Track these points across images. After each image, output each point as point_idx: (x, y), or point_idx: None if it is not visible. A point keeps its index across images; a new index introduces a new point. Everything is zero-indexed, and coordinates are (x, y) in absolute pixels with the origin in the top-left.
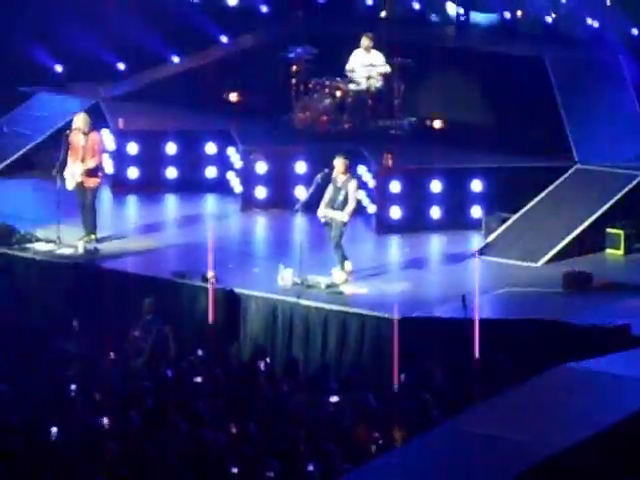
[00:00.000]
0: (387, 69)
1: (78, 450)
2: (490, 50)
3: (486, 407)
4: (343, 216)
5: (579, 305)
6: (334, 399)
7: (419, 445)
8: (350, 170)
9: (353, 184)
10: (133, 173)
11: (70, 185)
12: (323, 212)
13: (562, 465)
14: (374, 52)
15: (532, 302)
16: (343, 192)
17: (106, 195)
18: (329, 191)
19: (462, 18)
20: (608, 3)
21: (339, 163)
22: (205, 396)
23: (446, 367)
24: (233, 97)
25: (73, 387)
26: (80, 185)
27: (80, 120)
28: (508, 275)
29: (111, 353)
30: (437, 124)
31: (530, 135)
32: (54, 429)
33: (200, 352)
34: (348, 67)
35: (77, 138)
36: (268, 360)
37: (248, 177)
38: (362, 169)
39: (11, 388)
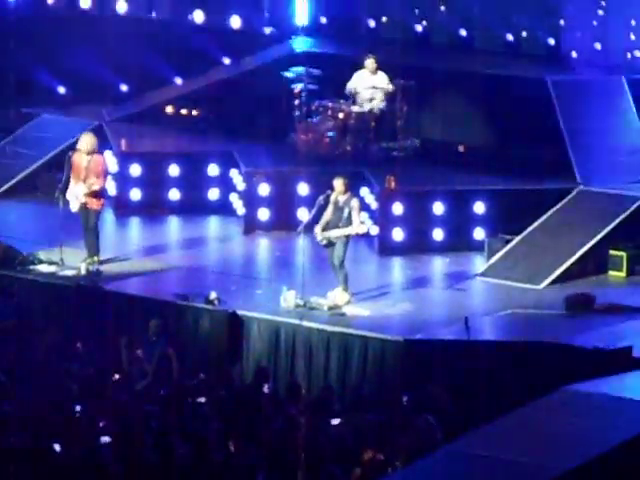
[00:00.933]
0: (389, 88)
1: (81, 472)
2: (493, 72)
3: (488, 429)
4: (358, 228)
5: (581, 327)
6: (336, 421)
7: (422, 467)
8: (350, 190)
9: (356, 202)
10: (136, 195)
11: (74, 207)
12: (323, 234)
13: None
14: (379, 73)
15: (534, 324)
16: (347, 210)
17: (109, 217)
18: (328, 213)
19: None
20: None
21: (339, 183)
22: (208, 418)
23: (449, 389)
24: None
25: (78, 408)
26: (83, 207)
27: (84, 141)
28: (510, 297)
29: (115, 375)
30: (461, 149)
31: (532, 157)
32: (57, 448)
33: (203, 374)
34: (349, 87)
35: (80, 159)
36: (271, 382)
37: (251, 199)
38: (365, 191)
39: (14, 408)
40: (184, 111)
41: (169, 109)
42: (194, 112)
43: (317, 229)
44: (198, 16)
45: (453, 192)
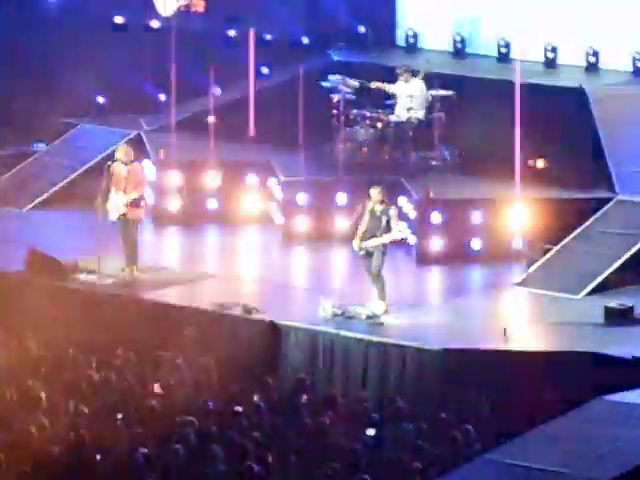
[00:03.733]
0: (428, 97)
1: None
2: (531, 81)
3: (526, 439)
4: (396, 234)
5: (620, 337)
6: (373, 431)
7: (459, 476)
8: (387, 199)
9: (394, 210)
10: (174, 204)
11: (113, 216)
12: (361, 244)
13: None
14: (416, 81)
15: (572, 334)
16: (384, 219)
17: (147, 226)
18: (365, 223)
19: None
20: None
21: (375, 193)
22: (246, 428)
23: (487, 398)
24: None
25: (119, 416)
26: (123, 216)
27: (122, 151)
28: (549, 307)
29: (155, 384)
30: (540, 164)
31: (571, 166)
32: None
33: (241, 384)
34: (391, 90)
35: (119, 169)
36: (309, 392)
37: (289, 208)
38: (403, 200)
39: (55, 419)
40: (222, 121)
41: (207, 119)
42: (232, 122)
43: (355, 240)
44: (235, 26)
45: (491, 201)
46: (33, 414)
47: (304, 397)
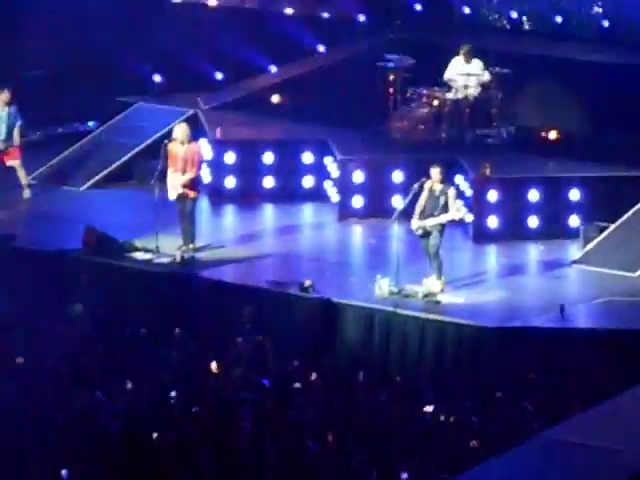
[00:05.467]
0: (486, 77)
1: (175, 458)
2: (588, 59)
3: (584, 417)
4: (454, 214)
5: None
6: (430, 408)
7: (517, 455)
8: (446, 179)
9: (452, 190)
10: (231, 182)
11: (172, 195)
12: (419, 223)
13: None
14: (474, 61)
15: (630, 312)
16: (442, 199)
17: (204, 204)
18: (423, 202)
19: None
20: None
21: (435, 172)
22: (302, 406)
23: (544, 376)
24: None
25: (173, 394)
26: (180, 195)
27: (180, 130)
28: (606, 285)
29: (213, 362)
30: (552, 135)
31: (628, 144)
32: (154, 435)
33: (297, 362)
34: (446, 76)
35: (176, 148)
36: (365, 370)
37: (345, 186)
38: (459, 178)
39: (105, 396)
40: (279, 99)
41: (264, 97)
42: (289, 100)
43: (414, 219)
44: (292, 4)
45: (548, 179)
46: (89, 392)
47: (360, 375)
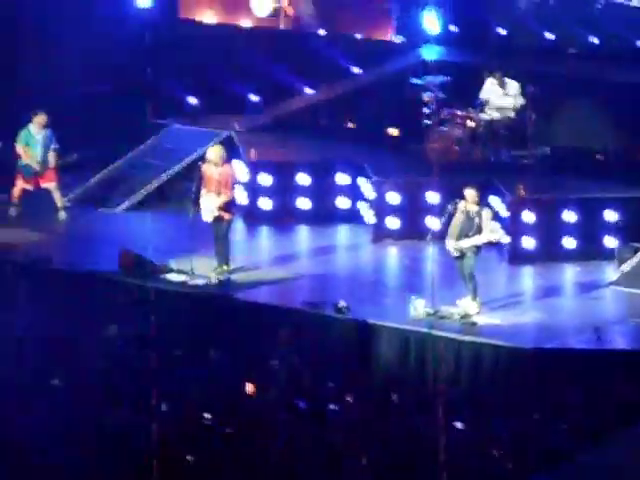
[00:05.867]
0: (520, 100)
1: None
2: (623, 79)
3: (621, 439)
4: (490, 236)
5: None
6: (460, 425)
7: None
8: (480, 200)
9: (487, 212)
10: (266, 204)
11: (205, 217)
12: (454, 245)
13: None
14: (508, 82)
15: None
16: (477, 220)
17: (239, 226)
18: (458, 223)
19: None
20: None
21: (470, 194)
22: (338, 427)
23: (581, 398)
24: (393, 132)
25: (207, 416)
26: (214, 217)
27: (214, 152)
28: None
29: (248, 384)
30: (587, 156)
31: None
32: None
33: (332, 383)
34: (481, 96)
35: (211, 170)
36: (400, 391)
37: (380, 207)
38: (494, 199)
39: (139, 417)
40: (313, 120)
41: (298, 119)
42: (323, 121)
43: (449, 241)
44: (326, 26)
45: (584, 200)
46: (119, 410)
47: (395, 396)
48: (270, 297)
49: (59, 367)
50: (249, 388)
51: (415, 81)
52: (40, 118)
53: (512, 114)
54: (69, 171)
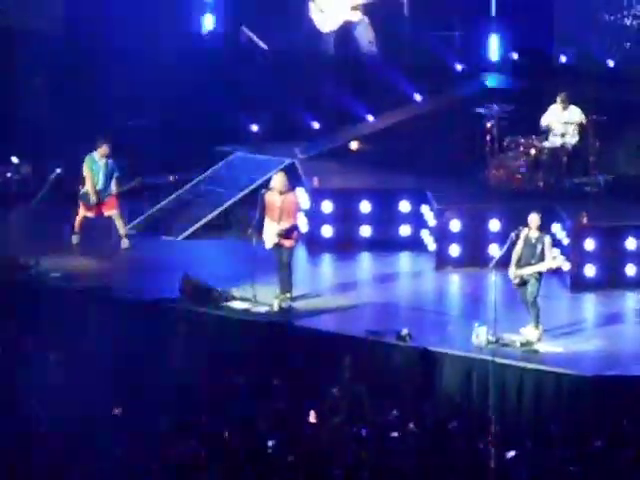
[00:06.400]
0: (583, 123)
1: None
2: None
3: None
4: (552, 263)
5: None
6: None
7: None
8: (542, 225)
9: (548, 239)
10: (328, 231)
11: (268, 245)
12: (516, 272)
13: None
14: (572, 107)
15: None
16: (539, 247)
17: (301, 253)
18: (519, 250)
19: None
20: None
21: (534, 219)
22: (400, 454)
23: None
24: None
25: (270, 444)
26: (277, 245)
27: (277, 180)
28: None
29: (311, 412)
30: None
31: None
32: None
33: (395, 411)
34: (544, 122)
35: (274, 198)
36: (463, 418)
37: (442, 235)
38: (556, 227)
39: (202, 445)
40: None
41: (360, 146)
42: (385, 148)
43: (511, 269)
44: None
45: None
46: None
47: (457, 424)
48: (332, 325)
49: (122, 397)
50: (312, 417)
51: (477, 109)
52: (103, 149)
53: (575, 141)
54: (132, 198)
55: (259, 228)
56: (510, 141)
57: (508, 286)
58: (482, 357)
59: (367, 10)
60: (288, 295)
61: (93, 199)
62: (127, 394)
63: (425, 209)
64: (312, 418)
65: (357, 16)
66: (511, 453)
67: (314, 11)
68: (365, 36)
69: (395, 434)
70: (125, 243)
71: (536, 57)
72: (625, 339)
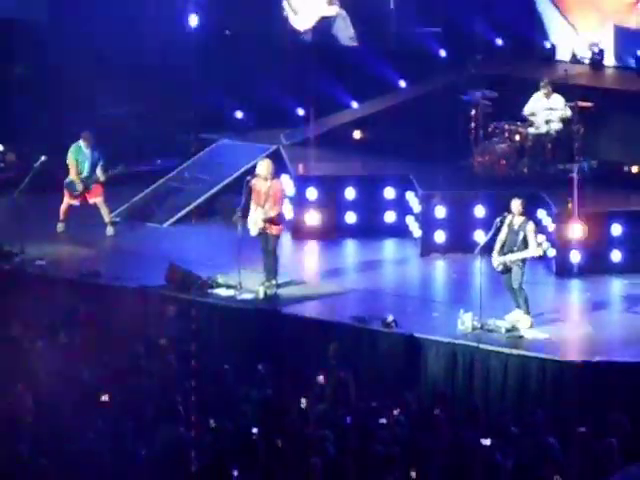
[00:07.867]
0: (567, 113)
1: None
2: None
3: None
4: (535, 251)
5: None
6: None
7: None
8: (527, 211)
9: (531, 225)
10: (313, 218)
11: (253, 232)
12: (499, 259)
13: None
14: (554, 96)
15: None
16: (522, 234)
17: (286, 240)
18: (503, 237)
19: None
20: None
21: (516, 204)
22: (385, 442)
23: (628, 412)
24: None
25: (255, 430)
26: (263, 232)
27: (263, 167)
28: None
29: (302, 399)
30: (635, 169)
31: None
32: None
33: (380, 398)
34: (527, 110)
35: (260, 185)
36: (448, 405)
37: (427, 221)
38: (542, 213)
39: (190, 433)
40: (360, 135)
41: (345, 133)
42: (370, 135)
43: (494, 255)
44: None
45: (631, 214)
46: (172, 426)
47: (442, 410)
48: (317, 311)
49: (108, 383)
50: (303, 403)
51: (462, 95)
52: (88, 138)
53: (559, 128)
54: (117, 186)
55: (245, 215)
56: (494, 127)
57: (493, 272)
58: (467, 343)
59: (346, 2)
60: (273, 282)
61: (79, 188)
62: (113, 380)
63: (410, 195)
64: (304, 405)
65: (334, 10)
66: (486, 441)
67: (288, 11)
68: (345, 31)
69: (381, 420)
70: (110, 230)
71: (521, 44)
72: (610, 325)
